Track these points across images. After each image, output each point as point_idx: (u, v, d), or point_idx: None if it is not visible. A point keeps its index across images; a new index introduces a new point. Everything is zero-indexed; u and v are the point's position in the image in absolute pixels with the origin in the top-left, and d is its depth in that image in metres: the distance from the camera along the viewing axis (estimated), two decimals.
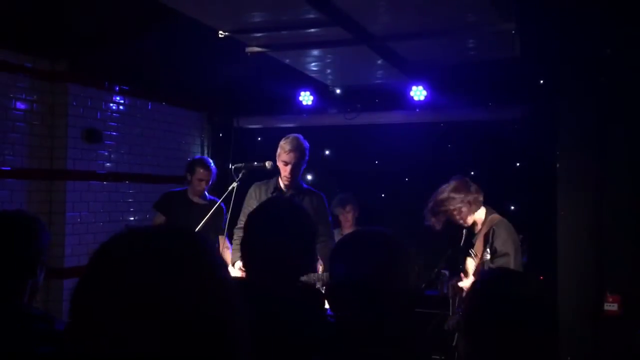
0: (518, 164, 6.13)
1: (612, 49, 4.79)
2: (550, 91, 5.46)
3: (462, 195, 3.94)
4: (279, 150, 4.15)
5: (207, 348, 0.87)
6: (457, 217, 3.97)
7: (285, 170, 4.09)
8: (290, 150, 4.08)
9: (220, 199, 5.14)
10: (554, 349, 1.55)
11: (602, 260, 4.87)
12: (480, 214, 4.00)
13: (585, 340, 4.84)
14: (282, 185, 4.19)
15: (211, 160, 5.27)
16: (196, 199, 5.11)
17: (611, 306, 4.77)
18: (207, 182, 5.11)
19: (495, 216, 3.98)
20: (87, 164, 5.66)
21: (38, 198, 5.33)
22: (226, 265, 0.97)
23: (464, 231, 4.20)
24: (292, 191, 4.15)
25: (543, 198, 5.35)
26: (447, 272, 5.34)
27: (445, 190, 4.00)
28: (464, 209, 3.93)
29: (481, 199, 4.00)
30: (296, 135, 4.23)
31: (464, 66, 5.83)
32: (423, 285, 4.69)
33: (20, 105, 5.19)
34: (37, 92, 5.33)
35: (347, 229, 5.49)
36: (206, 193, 5.17)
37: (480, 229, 3.99)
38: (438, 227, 4.01)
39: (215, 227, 4.81)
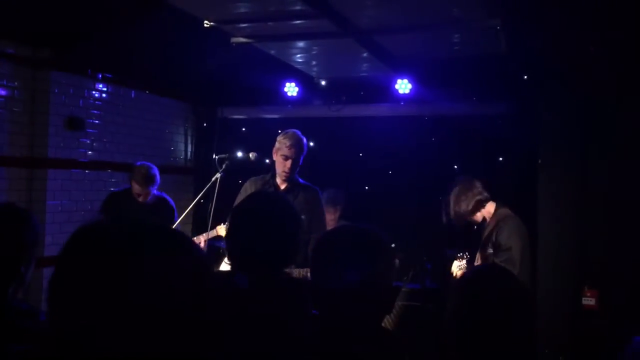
0: (501, 159, 6.18)
1: (595, 46, 4.83)
2: (534, 87, 5.50)
3: (466, 198, 4.02)
4: (277, 145, 4.10)
5: (179, 337, 0.88)
6: (467, 217, 4.06)
7: (285, 165, 4.05)
8: (292, 146, 4.05)
9: (168, 196, 5.12)
10: (534, 343, 1.57)
11: (581, 255, 4.94)
12: (489, 209, 4.04)
13: (563, 333, 4.91)
14: (278, 180, 4.15)
15: (152, 171, 4.95)
16: (141, 199, 4.95)
17: (589, 301, 4.85)
18: (145, 196, 4.92)
19: (504, 211, 4.00)
20: (68, 152, 5.60)
21: (18, 186, 5.27)
22: (203, 259, 0.98)
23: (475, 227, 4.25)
24: (288, 186, 4.13)
25: (524, 194, 5.40)
26: (429, 266, 5.37)
27: (451, 198, 4.08)
28: (470, 209, 4.01)
29: (486, 194, 4.05)
30: (294, 130, 4.21)
31: (449, 61, 5.85)
32: (405, 279, 4.72)
33: (1, 91, 5.12)
34: (19, 78, 5.25)
35: (330, 226, 5.47)
36: (153, 193, 5.00)
37: (489, 223, 4.03)
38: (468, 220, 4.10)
39: None
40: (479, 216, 4.06)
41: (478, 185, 4.06)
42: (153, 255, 0.91)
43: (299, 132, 4.18)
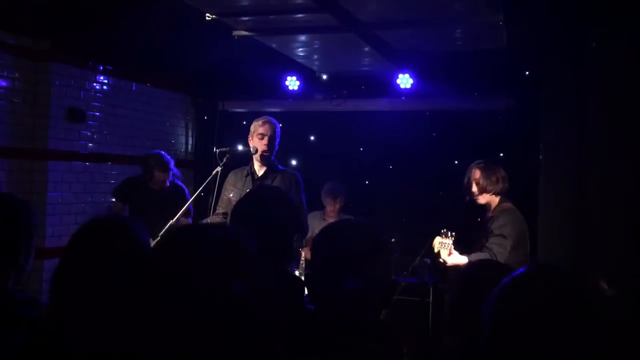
0: (501, 154, 6.17)
1: (597, 42, 4.82)
2: (536, 83, 5.48)
3: (500, 177, 4.12)
4: (252, 129, 4.25)
5: (184, 333, 0.87)
6: (475, 189, 4.10)
7: (262, 144, 4.17)
8: (265, 123, 4.21)
9: (183, 183, 5.13)
10: None
11: (581, 250, 4.94)
12: (494, 199, 4.13)
13: None
14: (256, 166, 4.25)
15: (167, 158, 5.00)
16: (163, 185, 4.96)
17: None
18: (168, 179, 4.94)
19: (506, 205, 4.11)
20: (69, 144, 5.60)
21: (19, 178, 5.28)
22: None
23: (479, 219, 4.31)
24: (266, 170, 4.20)
25: (525, 189, 5.40)
26: (428, 261, 5.37)
27: (483, 169, 4.15)
28: (494, 185, 4.09)
29: (506, 185, 4.14)
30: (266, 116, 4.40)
31: (451, 55, 5.84)
32: (405, 273, 4.73)
33: (2, 83, 5.11)
34: (19, 70, 5.25)
35: (331, 218, 5.49)
36: (170, 180, 5.01)
37: (489, 216, 4.13)
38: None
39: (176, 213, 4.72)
40: (488, 199, 4.11)
41: (503, 174, 4.18)
42: (164, 252, 0.89)
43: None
